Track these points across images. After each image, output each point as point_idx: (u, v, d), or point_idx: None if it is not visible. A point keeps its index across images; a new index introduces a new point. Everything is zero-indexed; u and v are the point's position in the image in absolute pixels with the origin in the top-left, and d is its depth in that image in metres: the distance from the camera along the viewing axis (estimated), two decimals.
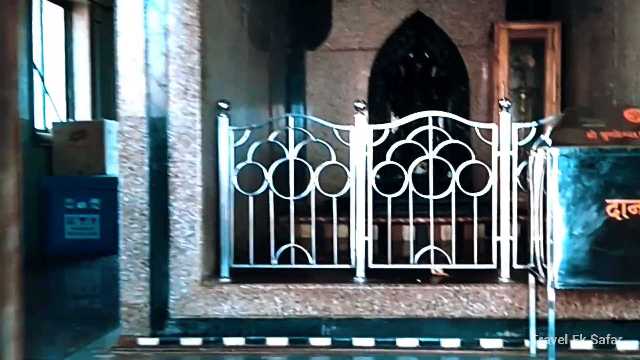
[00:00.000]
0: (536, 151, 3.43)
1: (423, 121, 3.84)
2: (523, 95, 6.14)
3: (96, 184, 7.18)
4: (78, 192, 7.36)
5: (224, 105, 3.73)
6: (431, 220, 3.82)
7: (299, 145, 3.82)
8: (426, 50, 6.26)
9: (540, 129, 3.75)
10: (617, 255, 3.11)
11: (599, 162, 3.10)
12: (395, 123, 3.81)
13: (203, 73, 3.67)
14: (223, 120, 3.75)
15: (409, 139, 3.83)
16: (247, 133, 3.81)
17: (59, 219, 7.43)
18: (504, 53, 5.81)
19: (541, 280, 3.37)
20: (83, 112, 8.32)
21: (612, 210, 3.08)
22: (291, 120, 3.88)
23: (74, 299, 5.75)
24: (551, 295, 3.18)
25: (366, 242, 3.76)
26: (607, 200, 3.09)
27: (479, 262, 3.77)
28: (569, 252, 3.12)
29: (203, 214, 3.68)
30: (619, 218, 3.07)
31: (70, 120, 8.20)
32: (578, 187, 3.11)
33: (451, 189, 3.81)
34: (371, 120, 6.11)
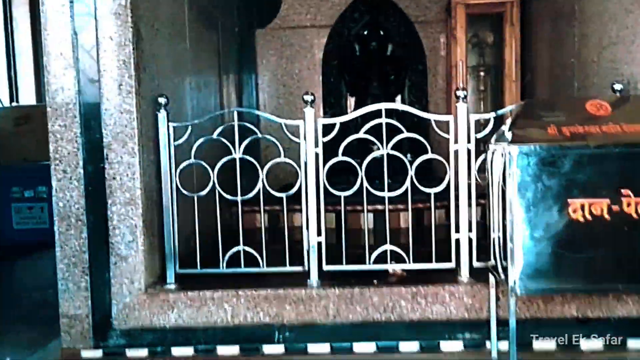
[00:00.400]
0: (494, 145, 3.25)
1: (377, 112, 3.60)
2: (482, 73, 5.97)
3: (43, 171, 6.83)
4: (24, 180, 7.03)
5: (162, 101, 3.48)
6: (387, 215, 3.62)
7: (245, 142, 3.58)
8: (381, 27, 6.03)
9: (500, 120, 3.56)
10: (580, 257, 2.94)
11: (560, 159, 2.92)
12: (347, 117, 3.57)
13: (138, 66, 3.40)
14: (162, 116, 3.50)
15: (361, 133, 3.59)
16: (190, 129, 3.56)
17: (5, 209, 7.11)
18: (462, 29, 5.61)
19: (501, 280, 3.21)
20: (28, 96, 7.95)
21: (574, 211, 2.90)
22: (235, 114, 3.61)
23: (21, 296, 5.47)
24: (512, 302, 3.01)
25: (319, 243, 3.56)
26: (570, 200, 2.91)
27: (437, 261, 3.59)
28: (530, 255, 2.94)
29: (144, 218, 3.45)
30: (581, 219, 2.90)
31: (14, 104, 7.83)
32: (538, 186, 2.93)
33: (407, 184, 3.60)
34: (325, 101, 5.97)
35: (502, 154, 3.04)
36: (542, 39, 5.20)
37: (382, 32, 6.01)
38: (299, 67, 6.25)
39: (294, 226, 4.44)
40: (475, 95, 5.97)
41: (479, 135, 3.56)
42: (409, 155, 5.74)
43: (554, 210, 2.93)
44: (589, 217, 2.90)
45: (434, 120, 3.65)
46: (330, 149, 3.60)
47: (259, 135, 3.66)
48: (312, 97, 3.53)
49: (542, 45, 5.19)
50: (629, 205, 2.88)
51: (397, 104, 3.67)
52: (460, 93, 3.52)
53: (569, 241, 2.94)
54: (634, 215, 2.88)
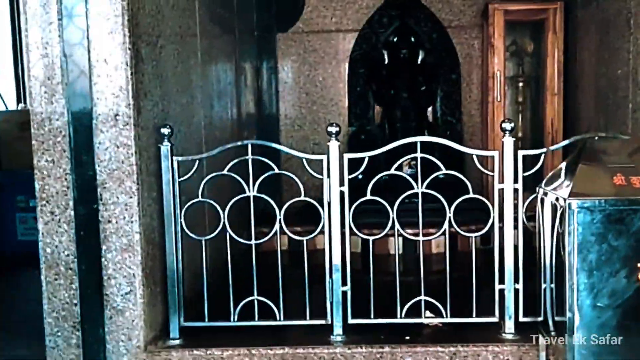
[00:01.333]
0: (548, 190, 2.81)
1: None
2: (520, 84, 5.48)
3: None
4: (30, 188, 6.64)
5: (166, 131, 3.05)
6: (421, 261, 3.19)
7: (260, 179, 3.14)
8: (412, 33, 5.55)
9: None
10: None
11: (630, 217, 2.47)
12: (376, 151, 3.12)
13: (137, 92, 2.97)
14: (165, 149, 3.07)
15: (393, 170, 3.16)
16: (197, 164, 3.13)
17: (10, 219, 6.72)
18: (500, 37, 5.13)
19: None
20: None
21: None
22: (249, 147, 3.15)
23: (25, 309, 5.07)
24: None
25: (344, 292, 3.13)
26: None
27: (478, 303, 3.13)
28: (593, 327, 2.50)
29: (144, 266, 3.02)
30: None
31: (21, 106, 7.44)
32: (603, 247, 2.49)
33: (445, 227, 3.16)
34: (351, 112, 5.51)
35: (559, 205, 2.60)
36: (588, 51, 4.70)
37: (412, 38, 5.54)
38: (322, 74, 5.80)
39: (317, 249, 4.00)
40: (512, 107, 5.49)
41: (528, 174, 3.09)
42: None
43: (621, 275, 2.49)
44: None
45: (477, 156, 3.16)
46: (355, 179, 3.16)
47: (276, 170, 3.19)
48: (336, 129, 3.09)
49: (589, 58, 4.69)
50: None
51: (434, 138, 3.18)
52: (507, 126, 3.06)
53: (638, 311, 2.50)
54: None
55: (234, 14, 4.79)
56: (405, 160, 5.25)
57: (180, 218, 3.10)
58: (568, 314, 2.53)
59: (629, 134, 3.96)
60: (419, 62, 5.57)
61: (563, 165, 2.80)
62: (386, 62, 5.56)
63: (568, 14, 5.09)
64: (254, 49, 5.45)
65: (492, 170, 3.11)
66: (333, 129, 3.09)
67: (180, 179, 3.08)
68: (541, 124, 5.26)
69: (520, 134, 5.46)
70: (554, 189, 2.73)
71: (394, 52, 5.53)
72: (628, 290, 2.48)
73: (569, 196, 2.50)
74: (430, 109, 5.56)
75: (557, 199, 2.68)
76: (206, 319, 3.18)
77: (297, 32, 5.77)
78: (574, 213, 2.49)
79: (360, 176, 3.17)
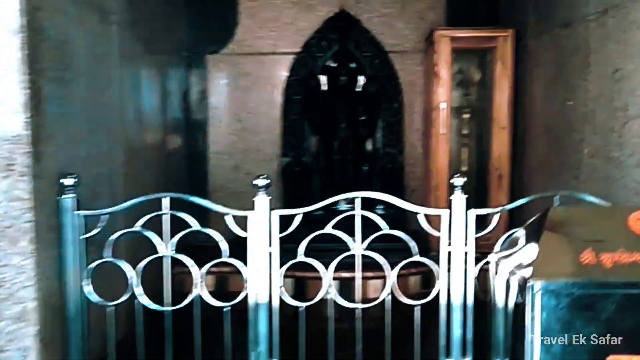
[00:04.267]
0: (499, 260, 2.46)
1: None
2: (466, 115, 5.16)
3: None
4: None
5: (69, 181, 2.61)
6: (359, 334, 2.80)
7: (178, 236, 2.71)
8: (352, 58, 5.19)
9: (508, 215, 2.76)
10: None
11: (601, 302, 2.13)
12: (311, 207, 2.72)
13: (37, 137, 2.52)
14: (67, 202, 2.62)
15: (328, 228, 2.76)
16: (105, 218, 2.68)
17: None
18: (446, 65, 4.80)
19: None
20: None
21: None
22: (166, 201, 2.70)
23: None
24: None
25: None
26: (612, 358, 2.12)
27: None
28: None
29: (42, 336, 2.57)
30: None
31: None
32: (570, 336, 2.14)
33: (385, 293, 2.78)
34: (285, 141, 5.10)
35: (518, 281, 2.25)
36: (540, 84, 4.41)
37: (352, 64, 5.16)
38: (256, 100, 5.38)
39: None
40: (456, 139, 5.17)
41: (480, 235, 2.73)
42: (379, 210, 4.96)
43: None
44: None
45: (426, 215, 2.79)
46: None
47: (197, 227, 2.74)
48: (265, 181, 2.68)
49: (541, 92, 4.40)
50: None
51: (375, 193, 2.78)
52: (458, 181, 2.70)
53: None
54: None
55: (158, 35, 4.35)
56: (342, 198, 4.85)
57: (86, 280, 2.65)
58: None
59: (582, 180, 3.67)
60: (358, 89, 5.19)
61: (521, 232, 2.44)
62: (324, 88, 5.16)
63: (518, 42, 4.79)
64: (181, 71, 5.00)
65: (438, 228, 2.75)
66: (261, 182, 2.68)
67: (85, 236, 2.63)
68: (487, 158, 4.95)
69: (464, 168, 5.15)
70: (512, 261, 2.38)
71: (332, 78, 5.15)
72: None
73: (532, 276, 2.15)
74: (370, 139, 5.18)
75: (512, 272, 2.33)
76: None
77: (228, 53, 5.34)
78: (537, 295, 2.14)
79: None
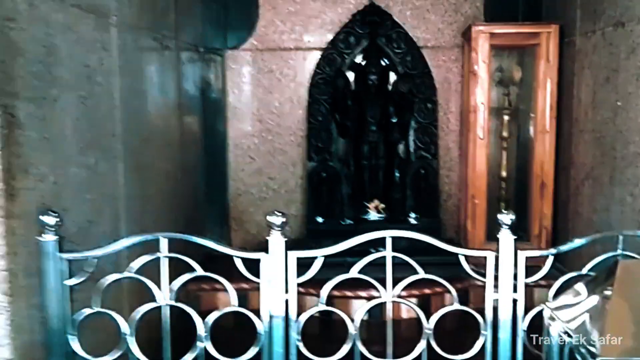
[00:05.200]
0: (553, 315, 2.10)
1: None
2: (506, 117, 4.76)
3: None
4: None
5: (50, 220, 2.27)
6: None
7: (178, 283, 2.37)
8: (383, 54, 4.80)
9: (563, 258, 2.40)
10: None
11: None
12: (332, 249, 2.35)
13: (10, 170, 2.20)
14: (48, 244, 2.29)
15: (354, 272, 2.41)
16: (93, 260, 2.35)
17: None
18: (485, 64, 4.40)
19: None
20: None
21: None
22: (164, 242, 2.35)
23: None
24: None
25: None
26: None
27: None
28: None
29: None
30: None
31: None
32: None
33: (420, 348, 2.43)
34: (310, 144, 4.76)
35: (578, 348, 1.90)
36: (589, 87, 3.99)
37: (383, 62, 4.78)
38: (279, 99, 5.03)
39: None
40: (495, 142, 4.79)
41: (531, 280, 2.37)
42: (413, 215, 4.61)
43: None
44: None
45: (464, 255, 2.42)
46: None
47: (200, 271, 2.39)
48: (281, 219, 2.33)
49: (590, 96, 3.98)
50: None
51: (408, 233, 2.39)
52: (505, 219, 2.33)
53: None
54: None
55: (170, 31, 4.00)
56: (373, 204, 4.51)
57: (71, 332, 2.34)
58: None
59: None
60: (390, 88, 4.81)
61: (581, 287, 2.08)
62: (352, 88, 4.79)
63: (562, 39, 4.38)
64: (197, 69, 4.67)
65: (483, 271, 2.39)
66: (275, 220, 2.32)
67: (70, 283, 2.31)
68: (528, 164, 4.56)
69: (504, 174, 4.77)
70: (572, 322, 2.01)
71: (361, 76, 4.77)
72: None
73: (601, 354, 1.78)
74: (402, 142, 4.81)
75: (568, 334, 1.98)
76: None
77: (249, 49, 4.98)
78: None
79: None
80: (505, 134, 4.75)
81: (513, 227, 2.35)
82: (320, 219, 4.69)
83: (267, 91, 5.01)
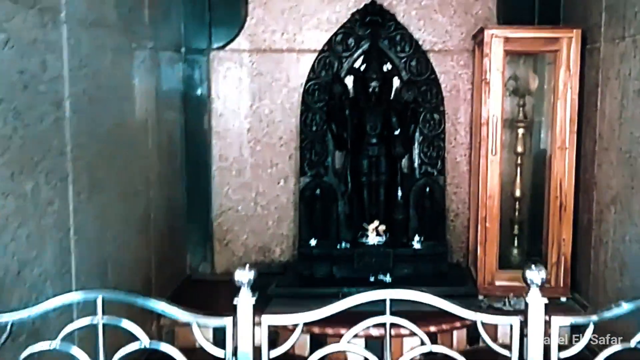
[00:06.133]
0: None
1: None
2: (520, 130, 4.29)
3: None
4: None
5: None
6: None
7: (118, 357, 1.88)
8: (385, 58, 4.34)
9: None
10: None
11: None
12: (318, 313, 1.85)
13: None
14: None
15: (343, 344, 1.92)
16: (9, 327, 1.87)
17: None
18: (498, 72, 3.94)
19: None
20: None
21: None
22: (99, 303, 1.84)
23: None
24: None
25: None
26: None
27: None
28: None
29: None
30: None
31: None
32: None
33: None
34: (304, 157, 4.30)
35: None
36: (616, 100, 3.53)
37: (385, 67, 4.31)
38: (269, 105, 4.55)
39: None
40: (508, 159, 4.32)
41: (567, 355, 1.89)
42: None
43: None
44: None
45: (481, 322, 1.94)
46: None
47: (146, 342, 1.89)
48: (249, 276, 1.83)
49: (616, 110, 3.52)
50: None
51: (403, 292, 1.89)
52: (535, 276, 1.85)
53: None
54: None
55: (145, 27, 3.54)
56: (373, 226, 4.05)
57: None
58: None
59: None
60: (392, 96, 4.34)
61: None
62: (351, 95, 4.32)
63: (584, 45, 3.91)
64: (178, 71, 4.20)
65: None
66: (243, 276, 1.82)
67: None
68: (545, 183, 4.10)
69: (518, 193, 4.30)
70: None
71: (360, 82, 4.30)
72: None
73: None
74: (405, 156, 4.34)
75: None
76: None
77: (237, 50, 4.51)
78: None
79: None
80: (520, 149, 4.28)
81: (542, 285, 1.87)
82: (313, 242, 4.20)
83: (256, 97, 4.54)
